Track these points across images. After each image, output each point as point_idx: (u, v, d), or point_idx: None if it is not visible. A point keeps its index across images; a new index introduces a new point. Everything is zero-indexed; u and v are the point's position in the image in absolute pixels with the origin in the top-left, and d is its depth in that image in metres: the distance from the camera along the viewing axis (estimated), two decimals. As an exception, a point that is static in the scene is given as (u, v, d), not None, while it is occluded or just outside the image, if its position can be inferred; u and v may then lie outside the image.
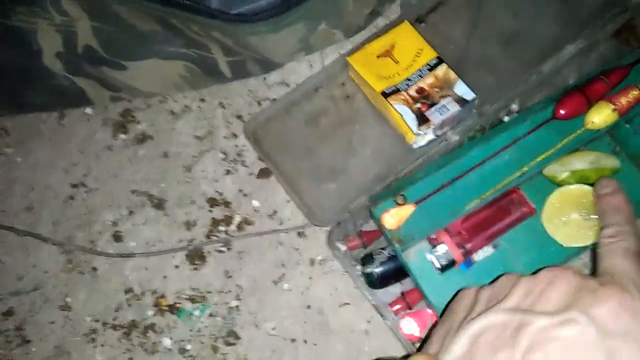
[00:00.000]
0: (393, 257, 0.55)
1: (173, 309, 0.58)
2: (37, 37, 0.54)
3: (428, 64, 0.57)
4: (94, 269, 0.60)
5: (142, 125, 0.65)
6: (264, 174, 0.62)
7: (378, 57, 0.59)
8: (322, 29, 0.58)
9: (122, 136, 0.64)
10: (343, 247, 0.56)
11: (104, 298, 0.58)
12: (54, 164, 0.64)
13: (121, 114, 0.65)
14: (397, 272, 0.55)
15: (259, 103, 0.64)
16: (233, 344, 0.56)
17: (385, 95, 0.56)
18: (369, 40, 0.60)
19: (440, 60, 0.57)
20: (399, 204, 0.51)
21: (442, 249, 0.51)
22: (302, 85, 0.62)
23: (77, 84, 0.58)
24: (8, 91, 0.59)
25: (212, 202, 0.61)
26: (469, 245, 0.51)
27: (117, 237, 0.60)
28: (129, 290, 0.58)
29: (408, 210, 0.50)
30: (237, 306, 0.58)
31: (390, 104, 0.55)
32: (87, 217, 0.62)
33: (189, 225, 0.60)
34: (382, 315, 0.52)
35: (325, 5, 0.57)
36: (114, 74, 0.58)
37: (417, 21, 0.62)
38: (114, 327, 0.57)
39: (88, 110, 0.65)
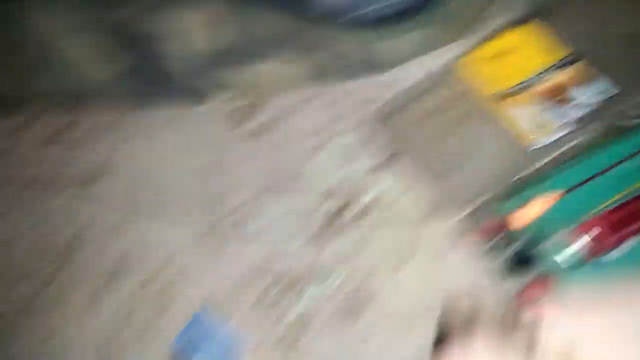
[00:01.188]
0: (520, 252, 0.54)
1: (293, 286, 0.60)
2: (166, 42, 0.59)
3: (560, 61, 0.56)
4: (221, 247, 0.64)
5: (263, 118, 0.69)
6: (387, 164, 0.64)
7: (500, 55, 0.59)
8: (440, 31, 0.60)
9: (246, 127, 0.69)
10: (469, 238, 0.56)
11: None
12: (184, 152, 0.69)
13: (244, 107, 0.69)
14: (529, 263, 0.54)
15: (376, 100, 0.66)
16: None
17: (509, 94, 0.56)
18: (489, 38, 0.60)
19: (574, 57, 0.56)
20: (525, 203, 0.51)
21: (581, 242, 0.50)
22: (417, 85, 0.63)
23: (203, 84, 0.63)
24: (140, 89, 0.65)
25: (335, 189, 0.64)
26: (609, 240, 0.50)
27: (242, 220, 0.64)
28: (252, 270, 0.62)
29: (536, 209, 0.50)
30: (357, 288, 0.59)
31: (519, 102, 0.55)
32: (215, 200, 0.66)
33: (308, 212, 0.63)
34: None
35: (446, 9, 0.59)
36: (240, 73, 0.63)
37: (543, 18, 0.61)
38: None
39: (214, 103, 0.70)
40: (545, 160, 0.55)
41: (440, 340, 0.40)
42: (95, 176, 0.69)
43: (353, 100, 0.66)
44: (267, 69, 0.61)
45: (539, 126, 0.54)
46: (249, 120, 0.68)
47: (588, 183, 0.50)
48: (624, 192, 0.49)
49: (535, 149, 0.56)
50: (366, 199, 0.63)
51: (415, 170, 0.60)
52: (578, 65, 0.56)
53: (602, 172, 0.50)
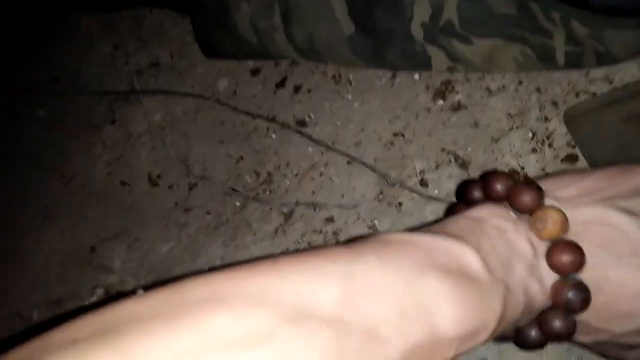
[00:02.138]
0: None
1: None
2: (413, 7, 0.67)
3: None
4: (400, 204, 0.72)
5: (459, 96, 0.75)
6: (570, 159, 0.67)
7: None
8: None
9: (440, 102, 0.75)
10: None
11: (403, 228, 0.71)
12: (382, 114, 0.78)
13: (443, 83, 0.76)
14: None
15: (577, 95, 0.68)
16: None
17: None
18: None
19: None
20: None
21: None
22: (631, 84, 0.64)
23: (428, 52, 0.70)
24: (371, 48, 0.74)
25: (511, 173, 0.68)
26: None
27: (423, 183, 0.72)
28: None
29: None
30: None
31: None
32: (401, 162, 0.74)
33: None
34: None
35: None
36: (460, 46, 0.69)
37: None
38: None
39: (416, 75, 0.78)
40: None
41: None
42: (306, 122, 0.82)
43: (555, 91, 0.69)
44: (491, 46, 0.67)
45: None
46: (447, 97, 0.75)
47: None
48: None
49: None
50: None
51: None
52: None
53: None
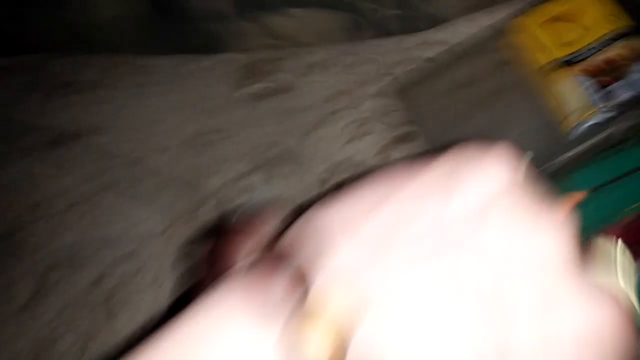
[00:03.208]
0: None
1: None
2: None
3: (620, 33, 0.50)
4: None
5: (282, 75, 0.62)
6: (407, 138, 0.58)
7: (558, 19, 0.52)
8: None
9: (259, 85, 0.63)
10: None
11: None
12: (186, 108, 0.63)
13: (263, 61, 0.63)
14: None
15: (412, 61, 0.60)
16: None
17: (564, 64, 0.50)
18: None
19: (636, 30, 0.49)
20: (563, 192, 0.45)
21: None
22: (462, 44, 0.56)
23: (240, 27, 0.57)
24: (170, 30, 0.59)
25: (348, 163, 0.58)
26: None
27: (226, 200, 0.59)
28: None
29: (577, 198, 0.44)
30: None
31: (568, 75, 0.49)
32: (214, 167, 0.61)
33: (323, 184, 0.58)
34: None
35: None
36: (277, 19, 0.56)
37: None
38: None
39: (228, 55, 0.64)
40: (585, 146, 0.50)
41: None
42: (68, 137, 0.61)
43: (379, 63, 0.60)
44: (312, 16, 0.55)
45: (585, 107, 0.48)
46: (256, 81, 0.62)
47: (614, 184, 0.44)
48: None
49: (576, 133, 0.49)
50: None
51: (441, 147, 0.54)
52: (638, 40, 0.49)
53: (630, 173, 0.44)
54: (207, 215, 0.56)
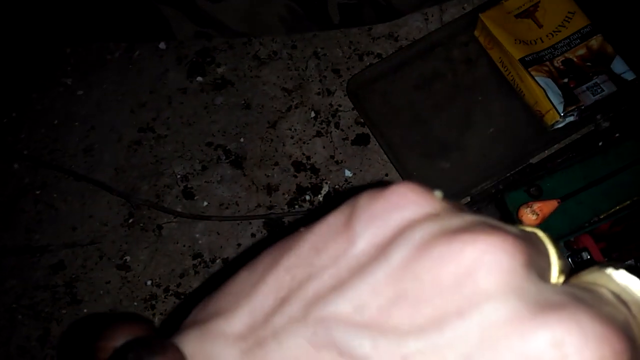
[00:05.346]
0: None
1: (246, 283, 0.50)
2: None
3: (579, 32, 0.48)
4: (159, 227, 0.52)
5: (222, 69, 0.56)
6: (361, 140, 0.54)
7: (517, 16, 0.50)
8: None
9: (199, 79, 0.56)
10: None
11: (168, 261, 0.51)
12: (120, 103, 0.56)
13: (199, 53, 0.56)
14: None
15: (361, 57, 0.55)
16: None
17: (525, 63, 0.47)
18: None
19: (594, 29, 0.47)
20: (534, 196, 0.43)
21: (584, 255, 0.43)
22: (418, 42, 0.52)
23: (162, 13, 0.50)
24: (74, 15, 0.51)
25: (298, 167, 0.53)
26: (616, 254, 0.43)
27: (188, 194, 0.53)
28: (197, 256, 0.51)
29: (552, 206, 0.42)
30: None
31: (531, 75, 0.47)
32: (155, 168, 0.54)
33: (269, 189, 0.53)
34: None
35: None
36: (206, 5, 0.49)
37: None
38: (177, 295, 0.50)
39: (161, 45, 0.57)
40: (553, 147, 0.48)
41: None
42: (14, 123, 0.55)
43: (335, 55, 0.55)
44: (247, 4, 0.49)
45: (560, 104, 0.46)
46: (207, 72, 0.55)
47: (584, 192, 0.43)
48: (621, 205, 0.42)
49: (551, 131, 0.47)
50: (336, 179, 0.53)
51: (399, 148, 0.50)
52: (596, 39, 0.47)
53: (600, 180, 0.43)
54: (173, 202, 0.51)
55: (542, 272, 0.13)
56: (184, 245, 0.52)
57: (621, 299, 0.13)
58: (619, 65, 0.46)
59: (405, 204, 0.14)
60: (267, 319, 0.13)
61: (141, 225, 0.52)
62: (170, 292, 0.51)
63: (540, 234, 0.14)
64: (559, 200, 0.42)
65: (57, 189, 0.53)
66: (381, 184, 0.15)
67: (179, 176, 0.54)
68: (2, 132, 0.55)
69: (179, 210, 0.52)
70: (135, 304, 0.51)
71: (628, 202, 0.42)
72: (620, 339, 0.12)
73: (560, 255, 0.14)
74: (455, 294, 0.12)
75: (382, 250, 0.13)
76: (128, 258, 0.52)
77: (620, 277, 0.13)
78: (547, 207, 0.41)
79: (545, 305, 0.12)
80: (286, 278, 0.14)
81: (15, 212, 0.53)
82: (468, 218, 0.14)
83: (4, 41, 0.56)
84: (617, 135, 0.45)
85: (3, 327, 0.50)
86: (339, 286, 0.13)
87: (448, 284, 0.12)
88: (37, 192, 0.53)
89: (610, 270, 0.13)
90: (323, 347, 0.12)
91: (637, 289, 0.13)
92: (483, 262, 0.12)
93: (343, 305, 0.12)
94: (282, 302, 0.13)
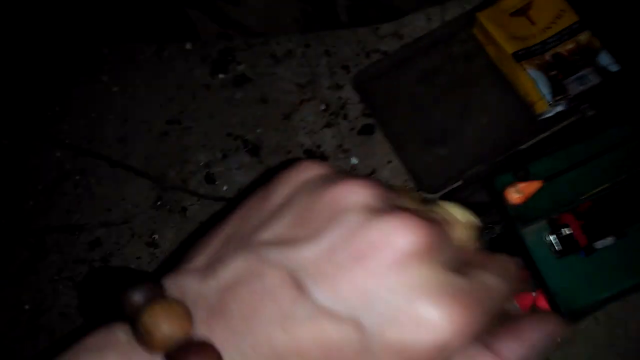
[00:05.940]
0: (502, 234, 0.51)
1: (261, 259, 0.56)
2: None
3: (569, 28, 0.51)
4: (184, 208, 0.58)
5: (241, 67, 0.62)
6: (366, 130, 0.58)
7: (511, 15, 0.54)
8: None
9: (221, 76, 0.62)
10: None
11: (192, 240, 0.57)
12: (150, 98, 0.62)
13: (221, 52, 0.62)
14: (506, 251, 0.51)
15: (368, 55, 0.60)
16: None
17: (518, 57, 0.51)
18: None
19: (582, 25, 0.51)
20: (521, 179, 0.47)
21: (565, 231, 0.47)
22: (420, 39, 0.57)
23: (189, 16, 0.55)
24: (112, 17, 0.57)
25: (309, 154, 0.58)
26: (595, 231, 0.47)
27: (210, 179, 0.58)
28: (217, 235, 0.57)
29: (535, 186, 0.46)
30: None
31: (523, 68, 0.51)
32: (180, 155, 0.60)
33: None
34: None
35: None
36: (227, 8, 0.55)
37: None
38: (200, 270, 0.56)
39: (187, 45, 0.63)
40: (542, 134, 0.51)
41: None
42: (57, 116, 0.62)
43: (344, 53, 0.60)
44: (263, 5, 0.54)
45: (539, 99, 0.50)
46: (229, 70, 0.61)
47: (568, 173, 0.46)
48: (603, 186, 0.46)
49: (540, 120, 0.51)
50: (343, 167, 0.57)
51: (402, 137, 0.55)
52: (584, 35, 0.51)
53: (594, 157, 0.46)
54: (196, 187, 0.57)
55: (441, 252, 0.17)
56: (206, 226, 0.57)
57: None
58: (604, 58, 0.50)
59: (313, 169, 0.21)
60: (217, 254, 0.19)
61: (168, 207, 0.58)
62: (194, 267, 0.56)
63: (446, 206, 0.20)
64: (543, 181, 0.46)
65: (94, 174, 0.60)
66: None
67: (202, 163, 0.59)
68: (46, 124, 0.62)
69: (201, 193, 0.57)
70: (162, 277, 0.56)
71: (607, 184, 0.46)
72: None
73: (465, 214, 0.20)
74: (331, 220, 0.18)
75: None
76: (156, 236, 0.57)
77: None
78: (530, 187, 0.45)
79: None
80: (230, 230, 0.20)
81: (57, 194, 0.59)
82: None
83: (48, 43, 0.63)
84: (600, 122, 0.49)
85: (47, 296, 0.57)
86: (262, 225, 0.19)
87: (328, 212, 0.18)
88: (77, 177, 0.60)
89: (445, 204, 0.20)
90: (254, 261, 0.17)
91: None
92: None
93: (266, 235, 0.18)
94: (227, 242, 0.19)
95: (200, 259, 0.19)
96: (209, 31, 0.58)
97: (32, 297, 0.57)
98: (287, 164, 0.21)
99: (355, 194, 0.18)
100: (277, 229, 0.18)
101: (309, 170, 0.20)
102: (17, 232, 0.58)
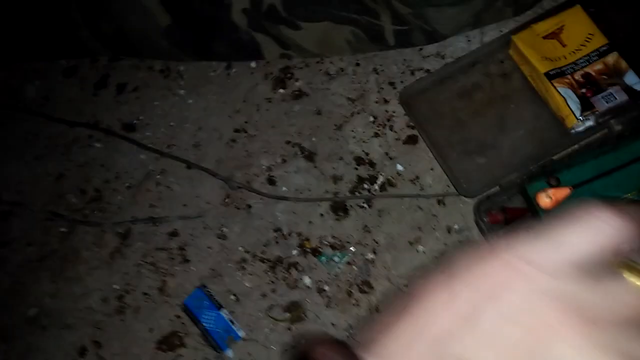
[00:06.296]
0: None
1: (315, 252, 0.63)
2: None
3: (597, 50, 0.57)
4: (249, 206, 0.66)
5: (299, 83, 0.70)
6: (411, 140, 0.65)
7: (544, 37, 0.59)
8: (498, 5, 0.60)
9: (281, 91, 0.70)
10: (485, 220, 0.58)
11: (255, 233, 0.65)
12: (220, 109, 0.71)
13: (281, 70, 0.71)
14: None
15: (412, 72, 0.67)
16: (366, 293, 0.61)
17: (550, 76, 0.57)
18: (536, 20, 0.60)
19: (611, 47, 0.56)
20: (552, 185, 0.52)
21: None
22: (461, 59, 0.64)
23: (255, 39, 0.64)
24: (193, 39, 0.66)
25: (359, 161, 0.66)
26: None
27: (271, 181, 0.67)
28: (277, 230, 0.65)
29: (565, 192, 0.52)
30: (372, 259, 0.62)
31: (554, 86, 0.56)
32: (246, 160, 0.68)
33: (335, 179, 0.65)
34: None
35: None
36: (288, 32, 0.63)
37: (587, 5, 0.61)
38: (262, 260, 0.64)
39: (252, 64, 0.72)
40: (572, 146, 0.57)
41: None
42: (136, 125, 0.72)
43: (391, 71, 0.67)
44: (321, 30, 0.63)
45: (569, 116, 0.55)
46: (287, 85, 0.70)
47: (596, 181, 0.51)
48: (628, 194, 0.51)
49: (570, 134, 0.57)
50: (390, 172, 0.64)
51: (443, 147, 0.61)
52: (612, 56, 0.56)
53: (621, 167, 0.51)
54: (259, 187, 0.66)
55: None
56: (267, 221, 0.65)
57: None
58: (631, 78, 0.55)
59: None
60: (406, 352, 0.19)
61: (235, 204, 0.67)
62: (257, 257, 0.65)
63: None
64: (571, 188, 0.51)
65: (173, 174, 0.69)
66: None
67: (264, 167, 0.68)
68: (132, 131, 0.72)
69: (264, 192, 0.66)
70: (230, 265, 0.65)
71: (634, 191, 0.51)
72: None
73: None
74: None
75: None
76: (225, 229, 0.66)
77: None
78: (560, 193, 0.51)
79: None
80: (415, 327, 0.19)
81: (142, 191, 0.69)
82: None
83: (134, 62, 0.73)
84: (627, 135, 0.54)
85: (132, 278, 0.66)
86: (451, 335, 0.18)
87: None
88: (158, 177, 0.69)
89: None
90: None
91: None
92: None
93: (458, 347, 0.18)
94: (414, 339, 0.19)
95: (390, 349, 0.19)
96: (272, 52, 0.67)
97: (120, 278, 0.67)
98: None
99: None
100: (469, 344, 0.18)
101: (494, 277, 0.18)
102: (107, 222, 0.68)
